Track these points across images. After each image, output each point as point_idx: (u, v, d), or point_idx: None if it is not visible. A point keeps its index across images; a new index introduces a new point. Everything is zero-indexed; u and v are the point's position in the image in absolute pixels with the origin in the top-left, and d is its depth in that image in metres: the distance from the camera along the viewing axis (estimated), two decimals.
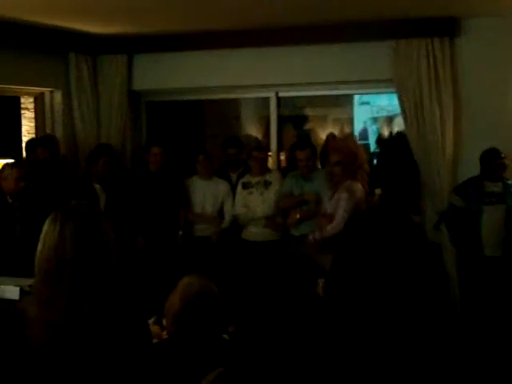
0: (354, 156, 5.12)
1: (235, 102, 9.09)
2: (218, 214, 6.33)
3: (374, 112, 10.28)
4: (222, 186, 6.31)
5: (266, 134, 7.85)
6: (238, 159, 6.50)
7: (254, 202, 6.05)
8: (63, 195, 5.52)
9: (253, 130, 9.69)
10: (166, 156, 6.40)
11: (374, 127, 10.45)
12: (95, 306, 1.85)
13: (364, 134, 10.32)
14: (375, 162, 9.43)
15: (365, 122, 10.36)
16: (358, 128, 10.37)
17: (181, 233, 6.38)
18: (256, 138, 9.10)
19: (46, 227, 1.92)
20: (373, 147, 10.00)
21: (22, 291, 3.85)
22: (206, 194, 6.27)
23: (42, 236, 1.92)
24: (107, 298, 1.89)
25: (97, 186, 6.08)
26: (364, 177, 5.23)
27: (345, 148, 5.15)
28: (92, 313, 1.84)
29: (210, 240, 6.23)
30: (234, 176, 6.46)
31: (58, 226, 1.89)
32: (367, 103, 10.26)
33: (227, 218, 6.29)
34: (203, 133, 9.59)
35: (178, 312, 2.56)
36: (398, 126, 9.36)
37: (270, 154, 6.82)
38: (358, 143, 5.44)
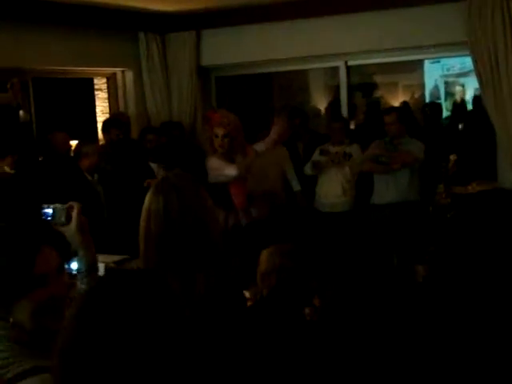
0: (239, 129, 5.15)
1: (303, 73, 9.03)
2: (283, 181, 6.33)
3: (444, 70, 9.99)
4: (280, 152, 6.32)
5: (335, 103, 7.79)
6: (303, 129, 6.53)
7: (327, 172, 6.06)
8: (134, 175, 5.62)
9: (322, 100, 9.63)
10: None
11: (445, 86, 10.14)
12: (206, 273, 1.90)
13: (436, 93, 10.05)
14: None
15: (436, 81, 10.07)
16: (428, 91, 10.10)
17: None
18: (329, 105, 9.00)
19: (148, 199, 1.97)
20: (445, 110, 9.74)
21: (106, 268, 3.97)
22: (267, 163, 6.26)
23: (145, 208, 1.97)
24: (215, 266, 1.93)
25: (153, 165, 6.08)
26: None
27: (232, 121, 5.12)
28: (204, 279, 1.89)
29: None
30: (300, 145, 6.48)
31: (161, 197, 1.94)
32: (438, 61, 9.96)
33: (294, 182, 6.27)
34: (272, 105, 9.59)
35: (258, 285, 2.59)
36: (470, 84, 9.09)
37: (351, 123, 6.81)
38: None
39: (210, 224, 1.98)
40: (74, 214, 1.92)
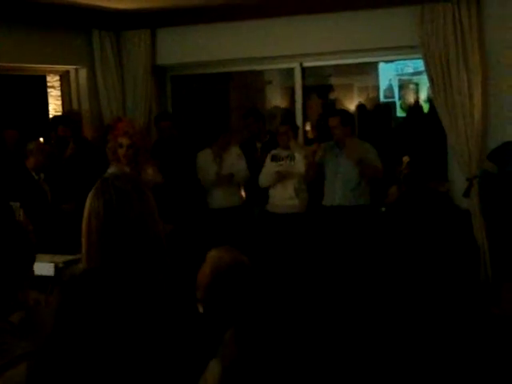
0: (144, 141, 5.21)
1: (260, 74, 9.05)
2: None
3: (398, 69, 10.08)
4: (234, 149, 6.34)
5: (292, 104, 7.84)
6: (261, 129, 6.58)
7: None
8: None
9: (278, 101, 9.66)
10: (176, 129, 6.57)
11: (400, 85, 10.21)
12: (154, 271, 1.88)
13: (389, 92, 10.14)
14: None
15: (390, 80, 10.16)
16: (382, 91, 10.16)
17: None
18: (283, 110, 9.09)
19: (89, 199, 1.95)
20: (399, 109, 9.85)
21: (56, 268, 3.92)
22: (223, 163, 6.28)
23: (86, 208, 1.95)
24: (162, 266, 1.91)
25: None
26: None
27: (137, 132, 5.17)
28: (152, 277, 1.87)
29: None
30: (259, 145, 6.53)
31: (101, 198, 1.92)
32: (391, 61, 10.05)
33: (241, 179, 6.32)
34: (228, 105, 9.58)
35: (209, 285, 2.57)
36: (424, 83, 9.20)
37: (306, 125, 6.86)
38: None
39: (152, 225, 1.96)
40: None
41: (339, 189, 5.82)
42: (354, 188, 5.79)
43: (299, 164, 6.03)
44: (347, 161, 5.78)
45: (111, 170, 5.02)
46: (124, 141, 4.98)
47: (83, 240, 1.97)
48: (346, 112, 6.49)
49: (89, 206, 1.96)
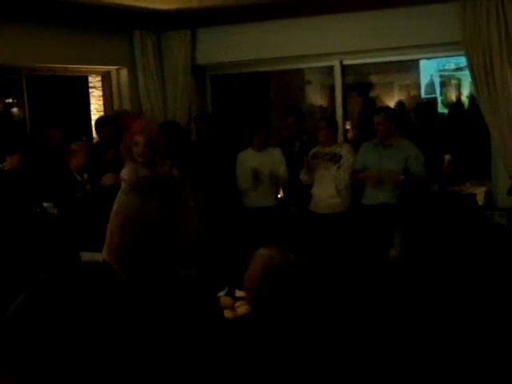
0: (160, 139, 5.00)
1: (300, 72, 9.03)
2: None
3: (440, 65, 9.93)
4: (275, 152, 6.33)
5: (332, 102, 7.79)
6: (300, 128, 6.52)
7: (320, 174, 6.05)
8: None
9: (318, 99, 9.63)
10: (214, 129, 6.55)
11: (441, 81, 10.05)
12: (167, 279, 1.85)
13: (431, 87, 9.99)
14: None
15: (431, 76, 10.00)
16: (423, 87, 10.02)
17: None
18: (321, 107, 9.05)
19: (123, 195, 1.88)
20: (440, 105, 9.71)
21: None
22: (262, 163, 6.27)
23: (119, 203, 1.88)
24: (179, 274, 1.88)
25: None
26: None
27: (153, 130, 5.02)
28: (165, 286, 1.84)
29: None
30: (297, 144, 6.50)
31: (136, 196, 1.85)
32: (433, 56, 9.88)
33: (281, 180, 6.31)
34: (268, 104, 9.57)
35: (260, 285, 2.55)
36: (466, 79, 9.06)
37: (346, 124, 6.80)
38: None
39: (180, 229, 1.90)
40: None
41: (382, 187, 5.72)
42: (398, 185, 5.69)
43: (344, 165, 6.00)
44: (391, 159, 5.71)
45: (126, 170, 4.95)
46: (140, 139, 4.85)
47: (109, 233, 1.89)
48: (390, 109, 6.44)
49: (121, 201, 1.88)
